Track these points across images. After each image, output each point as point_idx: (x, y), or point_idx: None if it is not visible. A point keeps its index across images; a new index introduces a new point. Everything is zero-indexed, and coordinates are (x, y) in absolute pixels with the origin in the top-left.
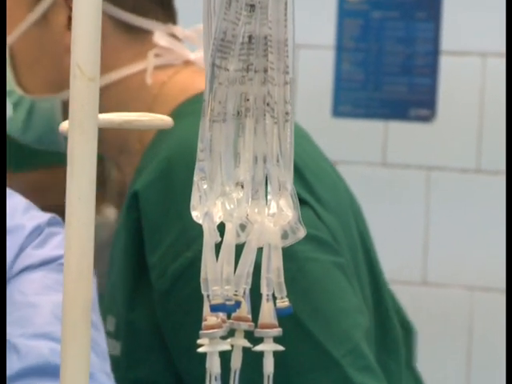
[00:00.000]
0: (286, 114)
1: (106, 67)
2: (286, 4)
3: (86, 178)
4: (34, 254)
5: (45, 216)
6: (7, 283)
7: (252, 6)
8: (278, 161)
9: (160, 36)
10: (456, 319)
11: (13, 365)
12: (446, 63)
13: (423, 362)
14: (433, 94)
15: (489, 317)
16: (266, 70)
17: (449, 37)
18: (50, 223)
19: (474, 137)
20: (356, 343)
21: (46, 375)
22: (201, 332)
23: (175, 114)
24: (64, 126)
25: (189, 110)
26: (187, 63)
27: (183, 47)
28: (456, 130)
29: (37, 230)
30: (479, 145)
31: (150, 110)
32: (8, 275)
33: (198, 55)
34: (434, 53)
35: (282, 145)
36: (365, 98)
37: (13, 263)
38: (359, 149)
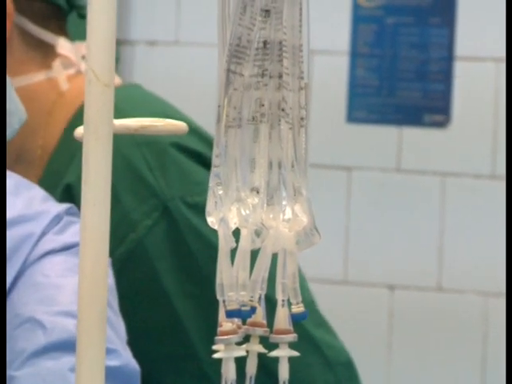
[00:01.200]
0: (301, 119)
1: (10, 73)
2: (300, 9)
3: (101, 184)
4: (55, 239)
5: (63, 205)
6: (28, 267)
7: (267, 12)
8: (293, 166)
9: (63, 46)
10: (471, 325)
11: (38, 339)
12: (460, 69)
13: (438, 367)
14: (447, 100)
15: (503, 323)
16: (280, 76)
17: (463, 42)
18: (68, 212)
19: (489, 142)
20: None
21: (72, 350)
22: (216, 338)
23: (78, 116)
24: (79, 131)
25: None
26: (79, 72)
27: (78, 58)
28: (471, 135)
29: (57, 218)
30: (494, 150)
31: (49, 114)
32: (29, 259)
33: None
34: (449, 58)
35: (297, 150)
36: (379, 103)
37: (34, 247)
38: (373, 154)
